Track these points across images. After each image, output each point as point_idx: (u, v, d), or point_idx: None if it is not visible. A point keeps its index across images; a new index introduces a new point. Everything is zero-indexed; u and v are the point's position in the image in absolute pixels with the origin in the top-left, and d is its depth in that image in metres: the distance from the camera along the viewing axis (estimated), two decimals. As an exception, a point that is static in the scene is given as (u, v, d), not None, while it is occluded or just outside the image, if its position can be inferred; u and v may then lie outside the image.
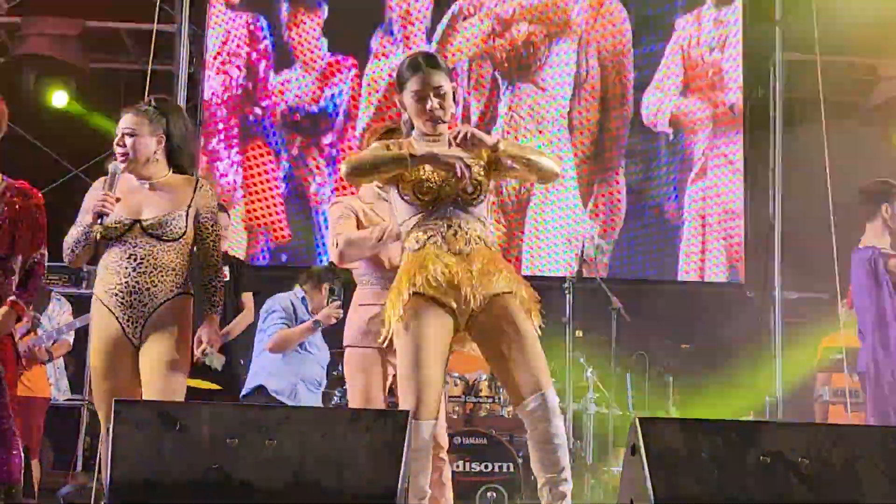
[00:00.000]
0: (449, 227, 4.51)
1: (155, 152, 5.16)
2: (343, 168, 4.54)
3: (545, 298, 8.23)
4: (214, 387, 7.53)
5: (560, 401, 8.17)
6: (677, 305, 10.34)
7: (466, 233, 4.52)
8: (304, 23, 11.01)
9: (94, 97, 11.01)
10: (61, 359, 8.38)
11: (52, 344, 7.98)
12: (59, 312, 8.20)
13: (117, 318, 4.99)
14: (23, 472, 5.34)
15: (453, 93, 4.66)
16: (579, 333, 8.64)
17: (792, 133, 11.00)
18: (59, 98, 10.97)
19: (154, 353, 5.02)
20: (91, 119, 10.88)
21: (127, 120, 5.16)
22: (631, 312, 8.43)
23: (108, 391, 4.96)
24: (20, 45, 10.87)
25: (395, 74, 4.76)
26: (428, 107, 4.57)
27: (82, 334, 8.75)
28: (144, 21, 10.60)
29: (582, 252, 8.61)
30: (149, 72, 9.97)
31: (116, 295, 4.98)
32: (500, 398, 8.03)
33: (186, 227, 5.12)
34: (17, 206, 5.24)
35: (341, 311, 7.09)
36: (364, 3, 11.17)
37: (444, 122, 4.62)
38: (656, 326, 9.64)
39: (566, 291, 8.38)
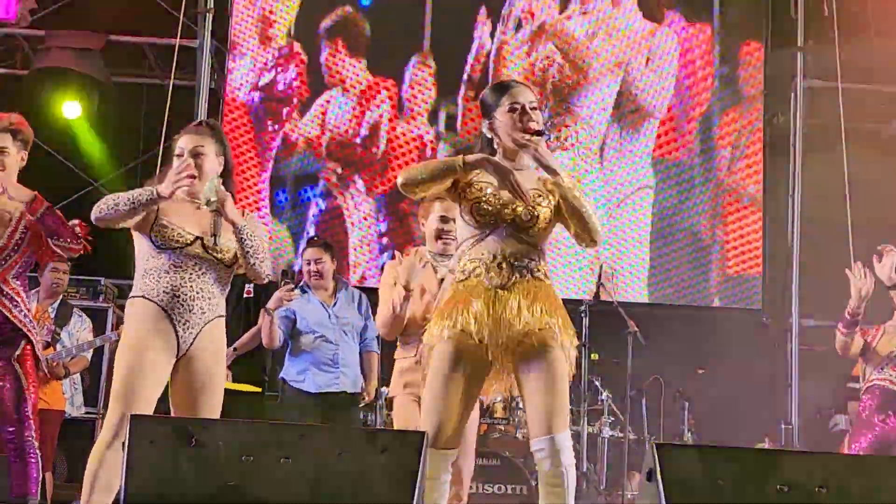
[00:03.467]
0: (495, 257, 4.49)
1: (219, 174, 5.08)
2: (398, 179, 4.54)
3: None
4: (255, 389, 7.59)
5: (575, 424, 8.21)
6: (694, 330, 10.31)
7: (512, 265, 4.49)
8: (341, 48, 11.09)
9: (116, 111, 11.05)
10: (78, 375, 8.37)
11: (70, 360, 7.97)
12: (79, 328, 8.19)
13: (172, 319, 4.89)
14: (39, 484, 5.34)
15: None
16: (595, 356, 8.62)
17: (812, 160, 10.98)
18: (71, 109, 10.96)
19: (216, 386, 5.02)
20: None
21: (192, 139, 5.07)
22: (647, 336, 8.40)
23: (136, 381, 4.81)
24: (43, 58, 10.90)
25: (481, 104, 4.73)
26: (525, 117, 4.54)
27: (100, 350, 8.76)
28: (167, 36, 10.66)
29: (599, 275, 8.59)
30: (170, 86, 10.04)
31: (178, 297, 4.90)
32: (514, 420, 8.01)
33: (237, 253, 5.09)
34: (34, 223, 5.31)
35: (293, 293, 7.15)
36: (404, 27, 11.23)
37: (541, 134, 4.56)
38: (672, 351, 9.60)
39: (582, 314, 8.36)
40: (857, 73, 10.65)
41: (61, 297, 8.25)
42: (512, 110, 4.58)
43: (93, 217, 4.91)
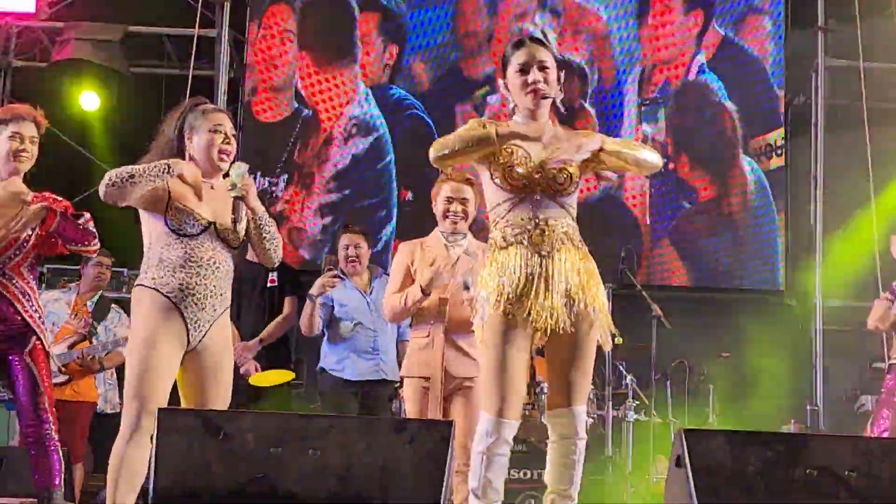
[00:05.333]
0: (536, 224, 4.47)
1: None
2: (431, 153, 4.52)
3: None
4: (290, 375, 7.60)
5: (599, 408, 8.19)
6: (718, 313, 10.27)
7: (553, 231, 4.48)
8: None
9: (135, 102, 11.05)
10: (112, 371, 8.36)
11: (105, 355, 7.98)
12: (116, 324, 8.17)
13: (183, 314, 4.88)
14: (62, 475, 5.35)
15: (559, 78, 4.62)
16: (619, 340, 8.58)
17: (834, 139, 10.92)
18: (89, 100, 10.98)
19: (225, 374, 5.03)
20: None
21: (229, 120, 5.13)
22: (671, 320, 8.37)
23: (150, 375, 4.81)
24: (62, 50, 10.92)
25: (500, 60, 4.72)
26: (531, 79, 4.51)
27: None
28: (185, 26, 10.66)
29: (622, 259, 8.56)
30: (190, 77, 10.04)
31: (193, 295, 4.89)
32: (539, 404, 7.99)
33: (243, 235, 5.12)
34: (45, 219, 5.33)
35: (336, 279, 7.21)
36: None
37: (548, 98, 4.55)
38: (696, 334, 9.58)
39: (606, 298, 8.33)
40: (879, 51, 10.59)
41: (101, 291, 8.26)
42: (521, 71, 4.55)
43: (103, 191, 4.84)
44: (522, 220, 4.48)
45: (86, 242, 5.37)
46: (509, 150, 4.49)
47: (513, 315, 4.42)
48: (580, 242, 4.57)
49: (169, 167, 4.87)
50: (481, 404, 4.50)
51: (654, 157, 4.62)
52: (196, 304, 4.91)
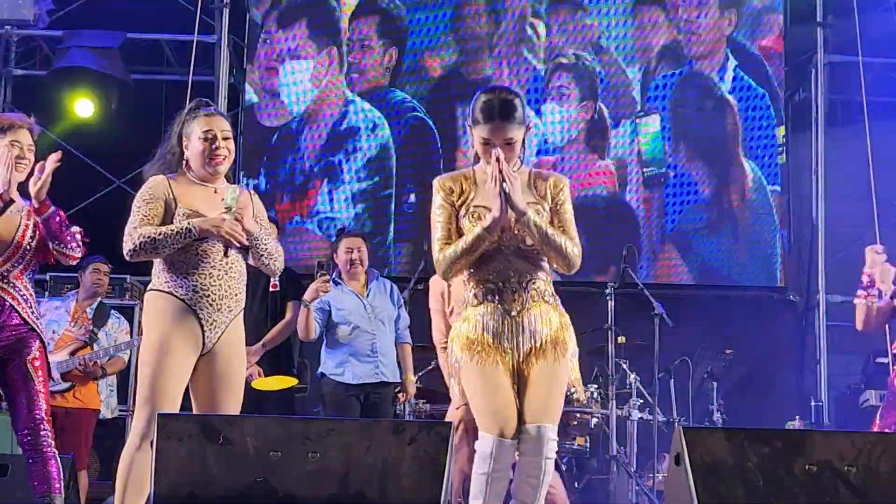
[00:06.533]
0: (508, 282, 4.53)
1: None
2: (440, 272, 4.58)
3: (587, 304, 8.23)
4: (292, 381, 7.62)
5: (604, 407, 8.19)
6: (720, 310, 10.27)
7: (525, 288, 4.53)
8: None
9: (136, 109, 11.06)
10: (113, 377, 8.38)
11: (107, 360, 8.00)
12: (116, 329, 8.20)
13: (199, 316, 4.92)
14: (63, 482, 5.34)
15: (525, 137, 4.64)
16: (622, 339, 8.59)
17: (834, 135, 10.91)
18: (83, 107, 10.96)
19: (237, 379, 5.07)
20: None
21: (222, 123, 5.15)
22: (673, 318, 8.37)
23: (162, 381, 4.85)
24: (62, 58, 10.93)
25: (470, 105, 4.66)
26: (494, 154, 4.47)
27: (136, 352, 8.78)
28: (184, 32, 10.67)
29: (623, 257, 8.57)
30: (190, 82, 10.04)
31: (208, 296, 4.94)
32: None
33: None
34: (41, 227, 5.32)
35: (329, 284, 7.17)
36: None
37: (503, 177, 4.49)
38: (699, 331, 9.57)
39: (608, 297, 8.35)
40: (878, 46, 10.58)
41: (100, 298, 8.28)
42: (485, 143, 4.56)
43: (127, 256, 4.95)
44: (493, 277, 4.55)
45: (68, 245, 5.32)
46: (477, 215, 4.53)
47: (486, 357, 4.48)
48: (552, 297, 4.63)
49: (191, 231, 4.92)
50: (480, 425, 4.50)
51: (569, 256, 4.57)
52: (211, 305, 4.94)
